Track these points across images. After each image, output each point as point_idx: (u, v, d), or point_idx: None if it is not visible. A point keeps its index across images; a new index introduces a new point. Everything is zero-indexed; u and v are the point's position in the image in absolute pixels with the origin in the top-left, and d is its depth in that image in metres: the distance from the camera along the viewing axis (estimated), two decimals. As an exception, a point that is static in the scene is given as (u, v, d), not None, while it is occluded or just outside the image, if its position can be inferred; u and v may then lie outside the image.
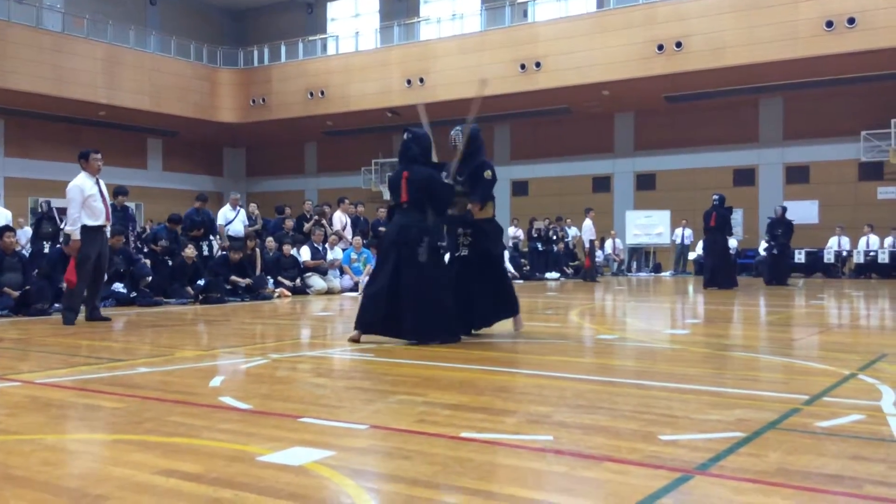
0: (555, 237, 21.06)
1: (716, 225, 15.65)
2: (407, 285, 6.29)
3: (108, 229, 8.79)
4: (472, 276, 6.79)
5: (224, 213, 14.78)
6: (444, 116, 24.62)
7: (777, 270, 17.12)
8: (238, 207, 14.90)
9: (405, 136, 6.75)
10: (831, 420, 3.52)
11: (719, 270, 15.40)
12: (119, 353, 6.01)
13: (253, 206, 16.64)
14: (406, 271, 6.31)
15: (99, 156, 8.57)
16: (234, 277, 12.06)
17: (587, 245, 19.64)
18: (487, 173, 6.89)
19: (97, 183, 8.49)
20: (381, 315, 6.36)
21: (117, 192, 12.50)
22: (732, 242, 22.42)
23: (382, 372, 5.17)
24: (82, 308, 8.55)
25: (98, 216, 8.39)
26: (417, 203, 6.43)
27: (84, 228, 8.30)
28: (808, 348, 6.41)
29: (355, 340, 6.44)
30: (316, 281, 13.82)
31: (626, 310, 10.96)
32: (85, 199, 8.33)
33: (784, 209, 17.59)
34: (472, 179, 6.85)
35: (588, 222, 19.82)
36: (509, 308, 7.04)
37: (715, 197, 16.01)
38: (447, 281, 6.59)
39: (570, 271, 20.88)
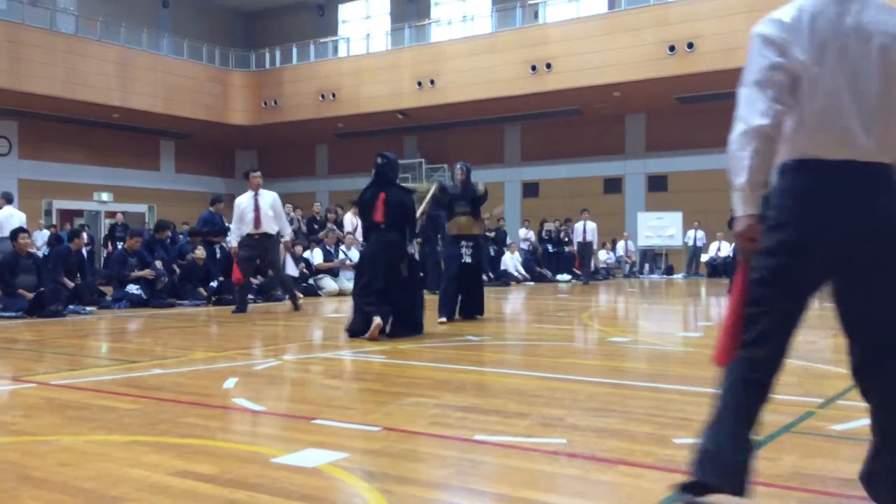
0: (566, 239, 21.01)
1: None
2: (396, 293, 6.90)
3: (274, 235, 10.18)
4: (473, 277, 8.71)
5: None
6: (454, 118, 24.81)
7: None
8: None
9: (379, 160, 7.27)
10: (846, 423, 3.51)
11: None
12: (133, 355, 6.05)
13: (288, 207, 16.67)
14: (393, 284, 6.90)
15: (257, 174, 10.24)
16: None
17: (575, 247, 19.23)
18: (479, 186, 8.82)
19: (254, 197, 9.98)
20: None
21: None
22: None
23: (395, 374, 5.18)
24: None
25: (248, 225, 9.96)
26: (395, 223, 7.02)
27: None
28: (823, 351, 6.38)
29: (375, 338, 6.60)
30: (328, 282, 13.86)
31: (638, 312, 10.94)
32: (240, 212, 10.02)
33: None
34: (473, 202, 8.72)
35: (580, 224, 18.92)
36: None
37: None
38: (417, 285, 7.51)
39: (580, 273, 20.82)
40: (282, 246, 10.76)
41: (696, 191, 23.69)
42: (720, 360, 2.39)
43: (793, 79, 2.25)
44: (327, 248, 14.34)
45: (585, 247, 18.77)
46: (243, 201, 10.09)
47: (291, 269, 12.53)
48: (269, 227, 10.02)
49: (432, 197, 9.29)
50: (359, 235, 15.34)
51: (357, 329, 6.88)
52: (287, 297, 10.71)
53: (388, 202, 6.97)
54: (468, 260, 8.60)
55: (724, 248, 21.53)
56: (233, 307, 10.15)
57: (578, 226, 18.93)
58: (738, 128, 2.29)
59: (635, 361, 5.91)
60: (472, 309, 8.78)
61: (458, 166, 8.94)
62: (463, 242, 8.61)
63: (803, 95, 2.25)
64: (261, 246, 10.01)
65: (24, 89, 21.70)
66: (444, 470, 2.79)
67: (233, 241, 10.38)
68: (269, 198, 10.13)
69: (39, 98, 22.37)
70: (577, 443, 3.17)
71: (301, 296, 10.96)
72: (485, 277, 16.80)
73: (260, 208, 9.95)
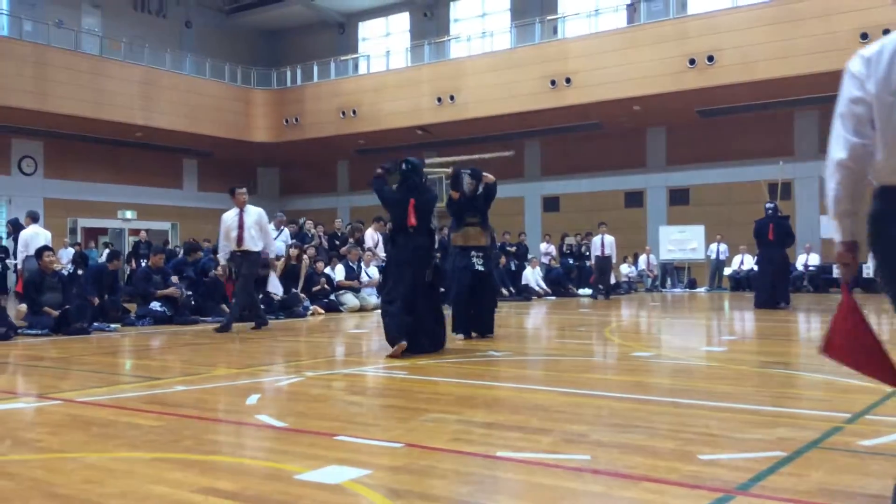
0: (587, 253, 20.94)
1: (774, 238, 13.63)
2: (420, 302, 6.89)
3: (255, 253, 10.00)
4: (485, 288, 8.35)
5: None
6: (474, 133, 24.86)
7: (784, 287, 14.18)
8: (282, 227, 15.05)
9: (404, 166, 7.27)
10: (874, 439, 3.46)
11: (780, 288, 13.61)
12: (157, 372, 6.09)
13: (309, 224, 16.76)
14: (418, 290, 6.91)
15: (243, 191, 10.15)
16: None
17: (593, 261, 18.75)
18: (488, 178, 8.57)
19: (239, 214, 9.91)
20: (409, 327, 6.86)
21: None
22: (805, 257, 21.51)
23: (416, 390, 5.18)
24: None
25: (232, 242, 9.90)
26: (423, 227, 7.07)
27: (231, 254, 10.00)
28: (849, 365, 6.29)
29: (396, 356, 6.56)
30: (349, 298, 13.89)
31: (660, 326, 10.86)
32: (226, 229, 9.98)
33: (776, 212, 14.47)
34: (483, 212, 8.54)
35: (598, 238, 18.45)
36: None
37: (769, 206, 14.07)
38: (440, 293, 7.53)
39: (602, 287, 20.71)
40: (273, 263, 10.80)
41: (719, 204, 23.55)
42: (829, 352, 2.78)
43: (871, 111, 2.39)
44: (350, 264, 14.34)
45: (604, 261, 18.35)
46: (229, 218, 10.06)
47: (275, 287, 12.16)
48: (252, 244, 9.92)
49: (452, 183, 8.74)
50: (380, 251, 15.40)
51: (393, 330, 6.80)
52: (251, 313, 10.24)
53: (417, 207, 7.00)
54: (481, 268, 8.26)
55: (747, 262, 21.35)
56: (252, 324, 10.10)
57: (596, 239, 18.58)
58: (827, 160, 2.48)
59: (659, 376, 5.87)
60: (483, 327, 8.30)
61: (468, 174, 8.58)
62: (473, 252, 8.32)
63: (879, 126, 2.37)
64: (242, 263, 9.98)
65: (49, 110, 22.04)
66: (466, 487, 2.78)
67: (221, 258, 10.49)
68: (254, 214, 10.04)
69: (65, 118, 22.70)
70: (600, 459, 3.15)
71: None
72: (505, 292, 16.90)
73: (244, 226, 9.86)
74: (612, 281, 19.70)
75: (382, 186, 7.39)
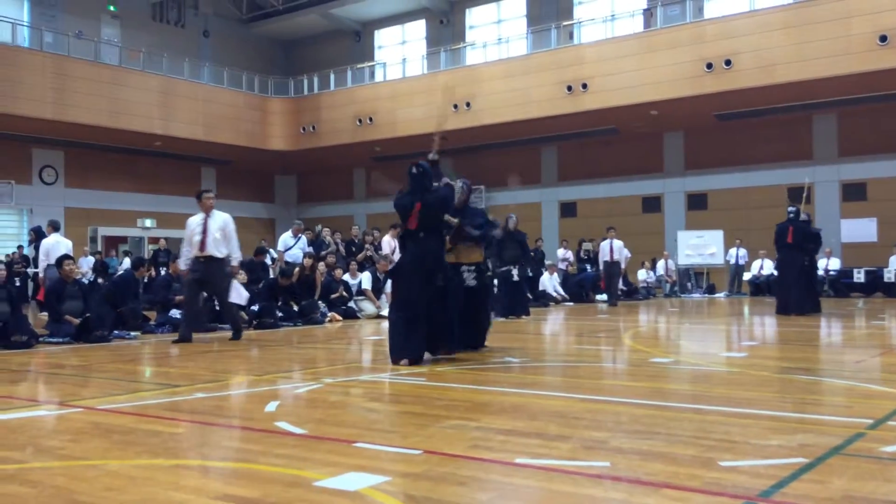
0: (595, 258, 20.83)
1: (794, 241, 13.33)
2: (430, 307, 6.83)
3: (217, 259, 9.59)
4: (478, 303, 7.87)
5: (284, 240, 15.01)
6: (491, 140, 24.87)
7: (807, 293, 13.57)
8: (299, 235, 15.09)
9: (413, 169, 7.19)
10: (898, 445, 3.42)
11: (798, 294, 13.18)
12: (177, 379, 6.12)
13: (326, 231, 16.80)
14: (429, 295, 6.82)
15: (210, 194, 9.85)
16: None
17: (601, 266, 18.14)
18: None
19: (204, 218, 9.57)
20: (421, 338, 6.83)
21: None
22: (825, 261, 21.07)
23: (434, 396, 5.17)
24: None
25: (194, 247, 9.52)
26: (431, 230, 7.01)
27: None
28: (871, 370, 6.23)
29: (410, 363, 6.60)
30: (367, 305, 13.91)
31: (680, 332, 10.80)
32: (189, 233, 9.60)
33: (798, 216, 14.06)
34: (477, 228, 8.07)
35: (606, 243, 17.84)
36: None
37: (791, 210, 13.77)
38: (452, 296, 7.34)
39: (620, 293, 20.63)
40: (236, 271, 10.23)
41: (737, 208, 23.41)
42: None
43: None
44: (378, 274, 14.18)
45: (613, 266, 17.75)
46: (193, 222, 9.64)
47: (236, 297, 11.58)
48: (216, 250, 9.48)
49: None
50: (396, 257, 15.39)
51: (396, 350, 6.80)
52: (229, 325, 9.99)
53: (423, 210, 6.95)
54: (472, 283, 7.85)
55: (767, 266, 21.20)
56: (267, 330, 10.12)
57: (605, 244, 17.90)
58: None
59: (678, 382, 5.83)
60: (469, 337, 7.74)
61: (460, 184, 8.12)
62: (464, 268, 7.89)
63: None
64: (206, 270, 9.49)
65: (69, 120, 22.28)
66: (485, 493, 2.77)
67: (181, 263, 10.11)
68: (219, 220, 9.64)
69: (85, 128, 22.94)
70: (620, 466, 3.13)
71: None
72: (529, 295, 16.78)
73: (208, 231, 9.47)
74: (622, 286, 19.54)
75: (399, 193, 7.34)
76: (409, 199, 7.05)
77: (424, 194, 7.05)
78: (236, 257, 9.87)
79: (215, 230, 9.51)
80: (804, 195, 14.87)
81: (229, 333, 9.81)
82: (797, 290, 13.30)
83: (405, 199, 7.10)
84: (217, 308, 10.94)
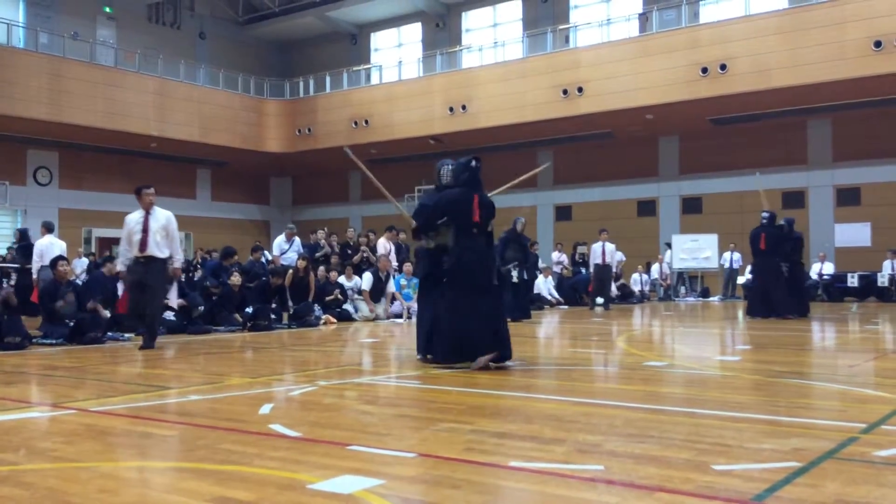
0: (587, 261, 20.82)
1: (766, 247, 13.65)
2: (486, 307, 6.51)
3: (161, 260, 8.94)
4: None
5: (279, 244, 14.99)
6: (486, 143, 24.89)
7: (795, 297, 13.76)
8: (293, 239, 15.06)
9: (474, 163, 6.84)
10: (891, 449, 3.43)
11: (779, 297, 13.38)
12: (170, 381, 6.11)
13: (321, 234, 16.76)
14: (486, 294, 6.54)
15: (150, 190, 9.05)
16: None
17: (592, 269, 17.88)
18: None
19: (144, 216, 8.89)
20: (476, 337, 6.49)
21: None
22: (819, 266, 21.22)
23: (429, 399, 5.17)
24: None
25: (134, 247, 8.85)
26: (485, 228, 6.72)
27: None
28: (864, 375, 6.25)
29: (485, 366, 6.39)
30: (363, 306, 13.90)
31: (674, 336, 10.81)
32: (128, 232, 8.91)
33: (791, 222, 14.51)
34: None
35: (598, 245, 17.53)
36: None
37: (764, 215, 13.99)
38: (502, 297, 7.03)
39: (614, 296, 20.65)
40: (177, 273, 9.62)
41: (732, 213, 23.48)
42: None
43: None
44: (379, 274, 14.18)
45: (604, 269, 17.46)
46: (132, 220, 8.98)
47: (172, 301, 11.13)
48: (157, 250, 8.86)
49: None
50: (393, 259, 15.39)
51: (445, 353, 6.58)
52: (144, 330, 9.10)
53: (482, 203, 6.69)
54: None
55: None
56: (261, 332, 10.08)
57: (597, 247, 17.54)
58: None
59: (672, 386, 5.84)
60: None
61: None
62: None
63: None
64: (146, 271, 8.84)
65: (65, 121, 22.25)
66: (479, 496, 2.77)
67: (119, 264, 9.49)
68: (161, 218, 9.00)
69: (80, 129, 22.91)
70: (614, 469, 3.13)
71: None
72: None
73: (149, 229, 8.84)
74: (615, 291, 19.42)
75: (440, 191, 6.94)
76: (467, 193, 6.70)
77: (480, 190, 6.79)
78: (178, 259, 9.36)
79: (157, 229, 8.91)
80: (764, 202, 14.94)
81: (226, 336, 9.78)
82: (777, 294, 13.47)
83: (458, 194, 6.72)
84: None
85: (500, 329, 6.55)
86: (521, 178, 9.24)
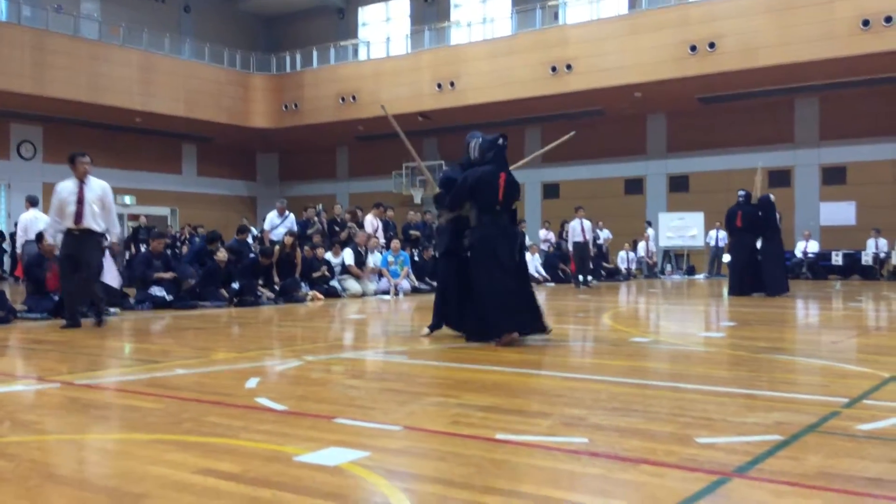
0: (565, 238, 20.81)
1: (743, 225, 13.79)
2: (511, 284, 6.57)
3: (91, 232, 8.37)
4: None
5: (270, 219, 14.91)
6: (475, 120, 24.80)
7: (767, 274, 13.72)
8: (286, 214, 14.96)
9: (501, 140, 6.83)
10: (872, 423, 3.47)
11: (753, 274, 13.58)
12: (156, 355, 6.10)
13: (311, 211, 16.68)
14: (509, 272, 6.59)
15: (86, 159, 8.55)
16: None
17: (570, 248, 17.73)
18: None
19: (79, 186, 8.36)
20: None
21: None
22: (804, 244, 21.50)
23: (416, 374, 5.19)
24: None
25: (68, 219, 8.29)
26: (508, 206, 6.78)
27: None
28: (847, 351, 6.31)
29: (511, 343, 6.40)
30: (351, 283, 13.90)
31: (659, 312, 10.87)
32: (60, 203, 8.34)
33: (768, 197, 14.42)
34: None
35: (576, 222, 17.35)
36: None
37: (741, 193, 14.16)
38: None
39: (603, 274, 20.72)
40: (116, 249, 9.24)
41: (718, 191, 23.54)
42: None
43: None
44: (358, 249, 14.25)
45: (583, 247, 17.29)
46: (65, 190, 8.35)
47: (111, 279, 10.46)
48: (93, 223, 8.27)
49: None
50: (380, 236, 15.37)
51: (473, 330, 6.70)
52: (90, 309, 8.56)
53: (507, 182, 6.70)
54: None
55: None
56: (248, 307, 10.04)
57: (575, 224, 17.37)
58: None
59: (657, 361, 5.88)
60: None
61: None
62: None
63: None
64: (79, 245, 8.22)
65: (48, 94, 21.98)
66: (465, 469, 2.79)
67: (48, 236, 8.99)
68: (97, 188, 8.42)
69: (63, 103, 22.64)
70: (599, 442, 3.15)
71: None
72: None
73: (84, 200, 8.24)
74: (589, 268, 19.24)
75: (466, 167, 6.93)
76: (494, 169, 6.68)
77: (507, 168, 6.80)
78: (116, 233, 8.84)
79: (93, 200, 8.30)
80: (757, 180, 15.03)
81: (213, 311, 9.75)
82: (752, 271, 13.60)
83: (487, 174, 6.66)
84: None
85: (526, 305, 6.64)
86: (549, 147, 9.59)
